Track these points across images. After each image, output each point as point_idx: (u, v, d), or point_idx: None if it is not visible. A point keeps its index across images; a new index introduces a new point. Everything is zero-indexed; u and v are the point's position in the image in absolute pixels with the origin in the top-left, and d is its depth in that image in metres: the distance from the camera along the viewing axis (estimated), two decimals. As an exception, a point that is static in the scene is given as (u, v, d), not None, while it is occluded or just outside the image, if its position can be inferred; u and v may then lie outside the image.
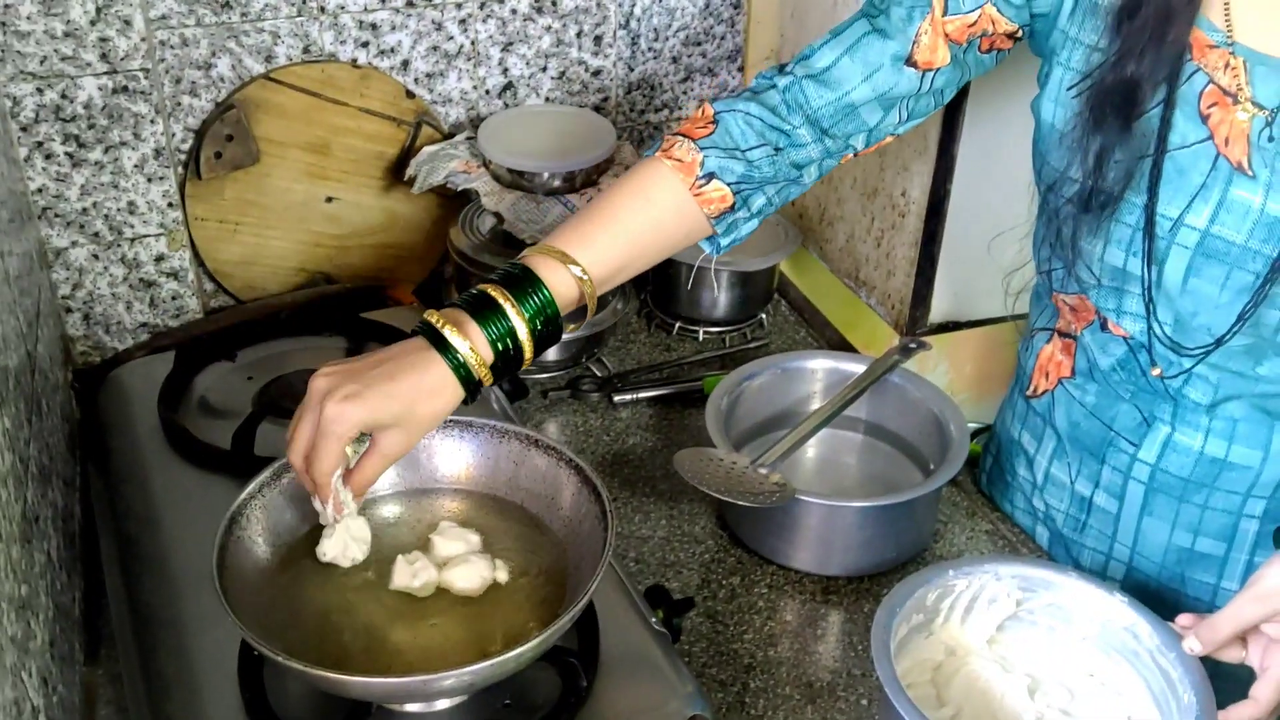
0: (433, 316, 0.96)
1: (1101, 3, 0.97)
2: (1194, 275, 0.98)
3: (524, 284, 0.97)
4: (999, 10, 1.02)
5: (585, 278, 0.98)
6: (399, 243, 1.58)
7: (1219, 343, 0.99)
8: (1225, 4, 0.94)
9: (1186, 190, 0.96)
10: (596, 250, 1.00)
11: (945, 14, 1.02)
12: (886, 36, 1.03)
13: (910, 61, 1.03)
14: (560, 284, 0.98)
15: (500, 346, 0.95)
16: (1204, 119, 0.94)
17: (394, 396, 0.92)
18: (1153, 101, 0.95)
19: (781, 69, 1.08)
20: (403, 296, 1.55)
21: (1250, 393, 1.03)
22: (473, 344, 0.94)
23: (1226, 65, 0.93)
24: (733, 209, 1.06)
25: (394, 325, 1.40)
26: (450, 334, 0.94)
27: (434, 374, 0.93)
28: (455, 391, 0.94)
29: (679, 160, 1.04)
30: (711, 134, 1.05)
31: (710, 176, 1.04)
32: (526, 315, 0.96)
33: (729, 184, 1.04)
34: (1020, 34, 1.04)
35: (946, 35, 1.02)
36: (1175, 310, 1.00)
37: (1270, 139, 0.92)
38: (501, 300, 0.96)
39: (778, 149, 1.05)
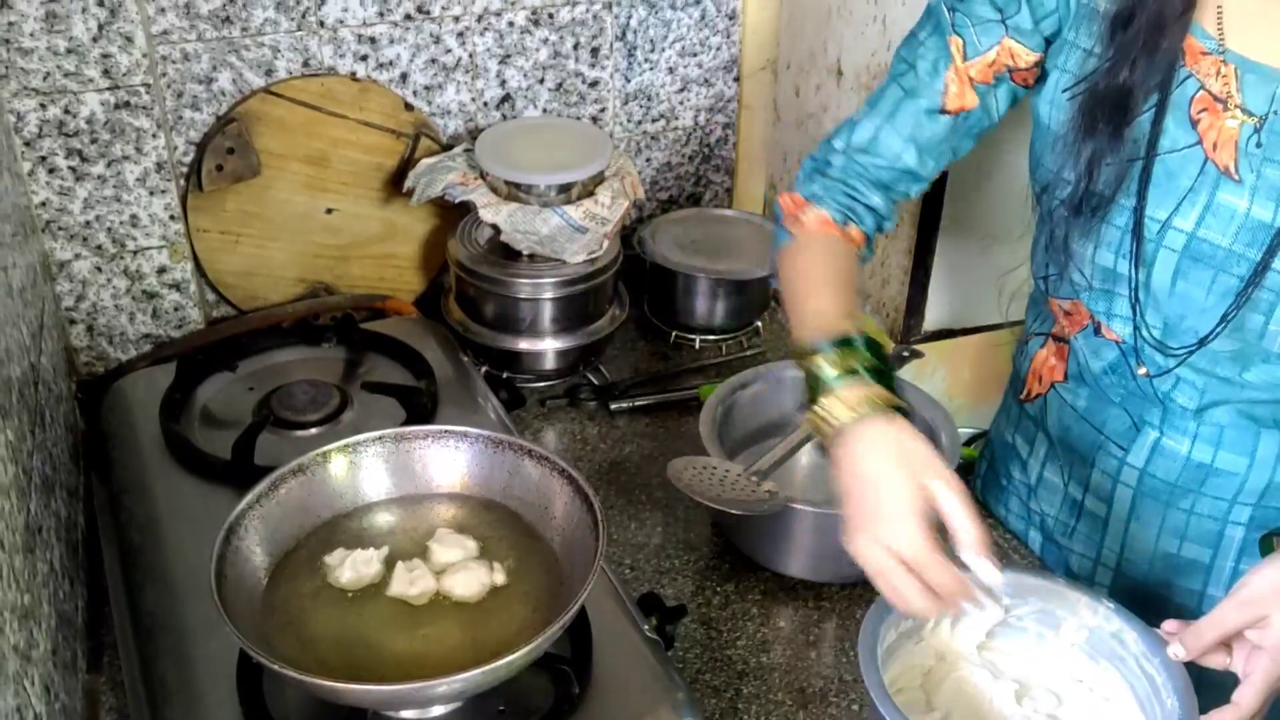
0: (848, 405, 0.95)
1: (1099, 9, 0.98)
2: (1181, 278, 0.99)
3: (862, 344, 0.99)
4: (1017, 41, 1.03)
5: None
6: (398, 253, 1.59)
7: (1202, 342, 1.00)
8: (1218, 12, 0.95)
9: (1175, 193, 0.97)
10: (849, 308, 1.05)
11: (965, 60, 1.04)
12: (916, 95, 1.08)
13: (944, 111, 1.07)
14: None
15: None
16: (1194, 124, 0.96)
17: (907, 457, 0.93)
18: (1145, 106, 0.96)
19: (830, 146, 1.14)
20: (402, 307, 1.57)
21: (1236, 399, 1.04)
22: (872, 394, 0.95)
23: (1218, 72, 0.94)
24: (869, 239, 1.14)
25: (394, 336, 1.42)
26: (871, 408, 0.95)
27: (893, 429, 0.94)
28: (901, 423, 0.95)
29: (816, 222, 1.12)
30: (814, 204, 1.12)
31: (846, 220, 1.11)
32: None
33: (856, 221, 1.13)
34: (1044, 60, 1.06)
35: (971, 80, 1.06)
36: (1164, 314, 1.01)
37: (1258, 145, 0.94)
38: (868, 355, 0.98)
39: (855, 201, 1.13)
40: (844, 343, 0.97)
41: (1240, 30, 0.94)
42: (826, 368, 0.96)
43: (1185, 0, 0.94)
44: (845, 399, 0.95)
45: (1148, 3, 0.94)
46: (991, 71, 1.05)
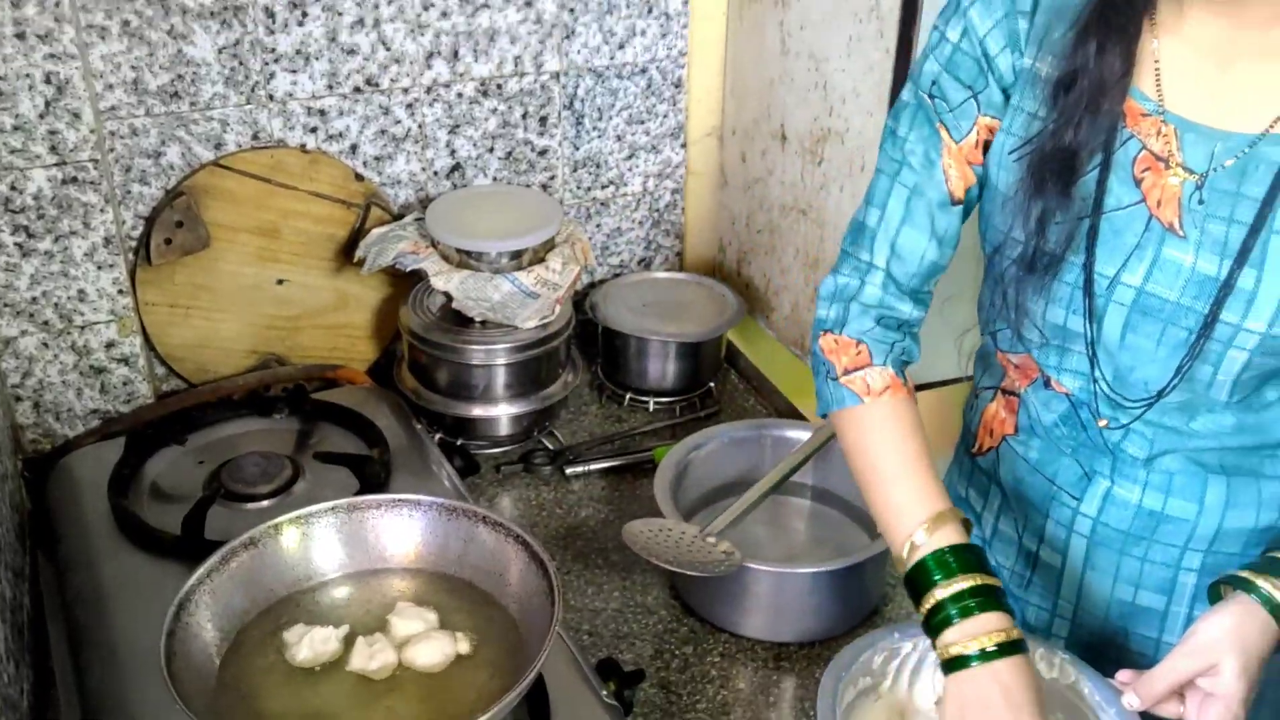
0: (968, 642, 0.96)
1: (1041, 74, 1.01)
2: (1131, 331, 1.01)
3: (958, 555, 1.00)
4: (990, 116, 1.05)
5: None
6: (351, 323, 1.59)
7: (1160, 395, 1.02)
8: (1156, 75, 0.98)
9: (1122, 250, 0.99)
10: (938, 489, 1.04)
11: (956, 141, 1.06)
12: (923, 192, 1.08)
13: (954, 201, 1.08)
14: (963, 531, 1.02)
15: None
16: (1137, 183, 0.98)
17: None
18: (1089, 166, 0.99)
19: (855, 262, 1.11)
20: (354, 376, 1.56)
21: (1184, 447, 1.06)
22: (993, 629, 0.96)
23: (1158, 132, 0.97)
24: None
25: (346, 405, 1.41)
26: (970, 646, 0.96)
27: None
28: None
29: (882, 383, 1.09)
30: (872, 357, 1.09)
31: (902, 365, 1.10)
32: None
33: (908, 361, 1.11)
34: None
35: (968, 161, 1.06)
36: (1115, 365, 1.03)
37: (1200, 201, 0.96)
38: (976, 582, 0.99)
39: (902, 330, 1.12)
40: (946, 564, 0.98)
41: (1178, 92, 0.97)
42: (941, 593, 0.97)
43: (1124, 64, 0.96)
44: (971, 632, 0.96)
45: (1089, 68, 0.97)
46: (979, 151, 1.07)
